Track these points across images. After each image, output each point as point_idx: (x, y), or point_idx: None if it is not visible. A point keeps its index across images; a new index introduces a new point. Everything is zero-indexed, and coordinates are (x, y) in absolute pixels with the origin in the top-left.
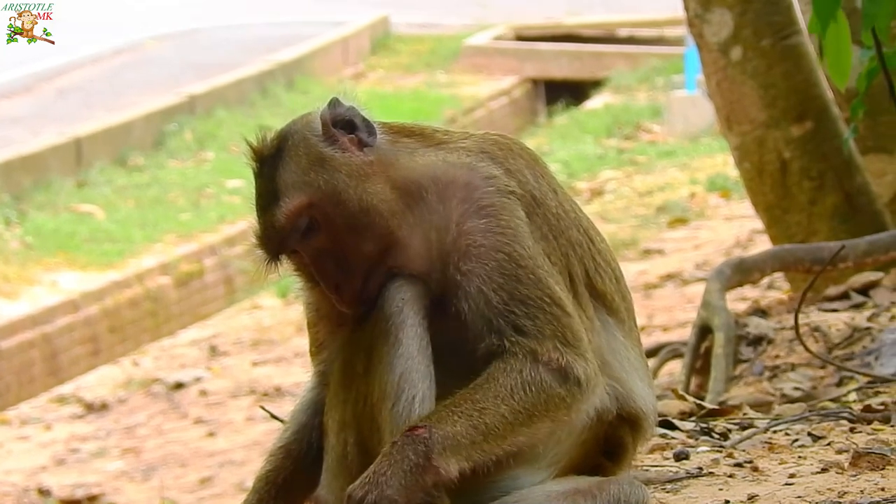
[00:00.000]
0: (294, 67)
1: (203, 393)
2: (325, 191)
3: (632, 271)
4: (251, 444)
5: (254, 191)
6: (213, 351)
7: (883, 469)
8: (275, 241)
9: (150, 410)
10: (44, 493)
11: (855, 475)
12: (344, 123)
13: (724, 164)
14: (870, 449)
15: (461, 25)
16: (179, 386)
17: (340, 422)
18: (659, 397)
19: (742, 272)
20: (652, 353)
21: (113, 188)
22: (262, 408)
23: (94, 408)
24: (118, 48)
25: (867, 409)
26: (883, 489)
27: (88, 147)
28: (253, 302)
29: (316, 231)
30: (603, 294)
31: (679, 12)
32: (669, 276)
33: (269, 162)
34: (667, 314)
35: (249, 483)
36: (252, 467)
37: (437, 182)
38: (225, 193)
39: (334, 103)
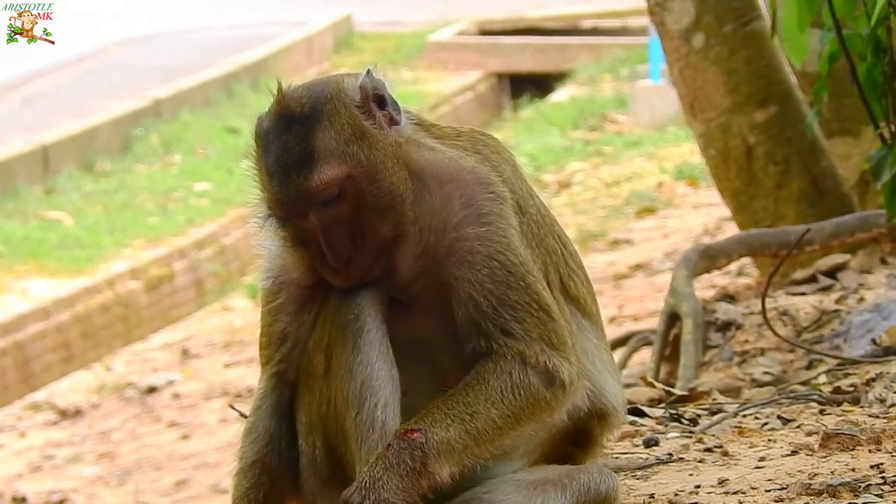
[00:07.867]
0: (258, 68)
1: (176, 396)
2: (365, 166)
3: (601, 262)
4: (225, 445)
5: (266, 146)
6: (185, 354)
7: (853, 450)
8: (300, 204)
9: (123, 415)
10: (18, 500)
11: (825, 457)
12: (376, 97)
13: (690, 152)
14: (839, 430)
15: (424, 21)
16: (152, 390)
17: (307, 424)
18: (629, 385)
19: (709, 258)
20: (621, 341)
21: (81, 194)
22: (233, 407)
23: (68, 414)
24: (81, 54)
25: (837, 391)
26: (853, 470)
27: (55, 154)
28: (223, 304)
29: (340, 202)
30: (576, 298)
31: (641, 2)
32: (639, 266)
33: (302, 121)
34: (637, 304)
35: (224, 485)
36: (227, 469)
37: (439, 179)
38: (193, 196)
39: (370, 74)
